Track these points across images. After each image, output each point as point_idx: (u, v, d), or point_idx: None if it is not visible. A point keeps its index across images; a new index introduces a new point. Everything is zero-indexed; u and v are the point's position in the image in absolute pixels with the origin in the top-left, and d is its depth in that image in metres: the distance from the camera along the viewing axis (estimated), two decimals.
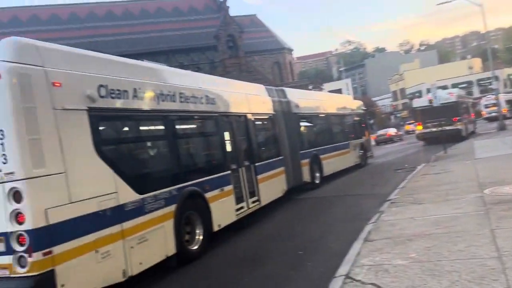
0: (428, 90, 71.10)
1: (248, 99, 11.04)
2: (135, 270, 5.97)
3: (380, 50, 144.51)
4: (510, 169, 10.80)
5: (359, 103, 22.32)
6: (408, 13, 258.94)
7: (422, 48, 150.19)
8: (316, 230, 8.40)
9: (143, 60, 8.00)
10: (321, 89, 44.78)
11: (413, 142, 30.91)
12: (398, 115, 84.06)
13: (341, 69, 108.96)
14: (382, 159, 23.00)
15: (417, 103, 28.33)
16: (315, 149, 14.70)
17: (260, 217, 10.27)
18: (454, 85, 72.31)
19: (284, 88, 14.81)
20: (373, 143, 41.67)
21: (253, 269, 6.58)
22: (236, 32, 40.29)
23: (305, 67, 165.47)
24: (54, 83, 5.30)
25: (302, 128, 14.58)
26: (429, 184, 10.82)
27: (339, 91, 57.67)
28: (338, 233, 7.93)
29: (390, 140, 41.10)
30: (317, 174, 14.51)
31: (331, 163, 15.78)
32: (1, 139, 4.81)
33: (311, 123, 15.56)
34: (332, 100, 19.59)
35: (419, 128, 26.78)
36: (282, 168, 11.96)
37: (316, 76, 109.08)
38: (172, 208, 6.92)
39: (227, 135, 9.47)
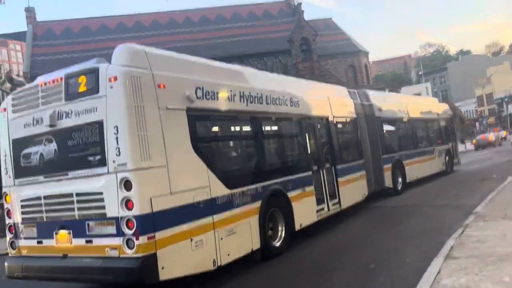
0: None
1: (331, 101, 11.08)
2: (223, 260, 6.37)
3: (465, 53, 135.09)
4: None
5: (445, 106, 21.39)
6: (498, 13, 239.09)
7: None
8: (391, 243, 7.80)
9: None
10: (398, 93, 42.77)
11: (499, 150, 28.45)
12: (484, 121, 77.83)
13: (420, 72, 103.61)
14: (470, 166, 21.73)
15: None
16: (398, 154, 14.54)
17: (333, 225, 9.83)
18: None
19: (366, 90, 14.57)
20: (471, 147, 41.95)
21: (319, 279, 6.19)
22: (310, 35, 39.82)
23: (382, 70, 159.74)
24: (160, 85, 5.87)
25: (384, 132, 14.33)
26: None
27: (418, 95, 54.70)
28: (416, 247, 7.28)
29: (491, 145, 41.41)
30: (399, 180, 14.21)
31: (415, 169, 15.40)
32: (116, 134, 5.41)
33: (394, 126, 15.29)
34: (417, 103, 18.90)
35: None
36: (363, 172, 11.90)
37: (393, 79, 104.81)
38: (257, 204, 7.30)
39: (309, 137, 9.70)
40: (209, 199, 6.31)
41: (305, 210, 8.77)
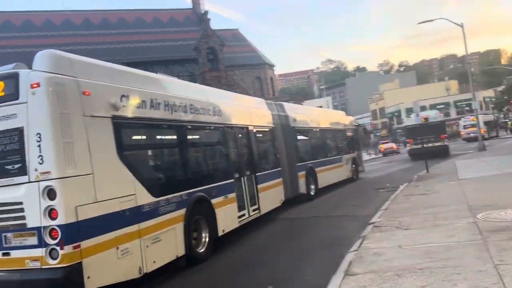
0: (408, 110, 71.78)
1: (250, 112, 11.54)
2: (149, 267, 6.36)
3: (361, 70, 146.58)
4: (501, 192, 10.07)
5: (351, 118, 23.22)
6: (389, 35, 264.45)
7: (401, 69, 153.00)
8: (291, 258, 7.40)
9: (157, 73, 8.68)
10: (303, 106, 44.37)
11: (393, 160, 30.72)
12: (378, 134, 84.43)
13: (322, 87, 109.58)
14: (372, 174, 23.34)
15: (409, 121, 30.76)
16: (310, 162, 15.34)
17: (234, 239, 9.24)
18: (432, 106, 73.43)
19: (282, 102, 15.47)
20: (380, 155, 49.19)
21: None
22: (217, 45, 39.52)
23: (287, 84, 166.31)
24: (85, 92, 5.75)
25: (299, 142, 15.08)
26: (414, 206, 10.00)
27: (317, 107, 57.42)
28: (316, 262, 6.97)
29: (395, 152, 48.95)
30: (312, 186, 14.99)
31: (326, 176, 16.40)
32: (39, 141, 5.21)
33: (307, 136, 16.11)
34: (327, 115, 20.58)
35: (411, 145, 29.57)
36: (280, 179, 12.42)
37: (297, 93, 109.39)
38: (182, 211, 7.36)
39: (231, 146, 9.98)
40: (135, 207, 6.25)
41: (228, 217, 8.98)
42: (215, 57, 39.88)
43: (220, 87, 39.16)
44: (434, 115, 30.44)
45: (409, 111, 70.26)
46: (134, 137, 7.05)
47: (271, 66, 52.04)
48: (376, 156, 49.69)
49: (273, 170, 12.06)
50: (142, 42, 45.86)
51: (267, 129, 12.51)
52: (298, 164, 14.15)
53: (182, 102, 8.09)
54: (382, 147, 54.71)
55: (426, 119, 27.28)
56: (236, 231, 9.42)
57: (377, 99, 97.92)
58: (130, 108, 6.59)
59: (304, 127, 15.80)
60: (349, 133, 21.13)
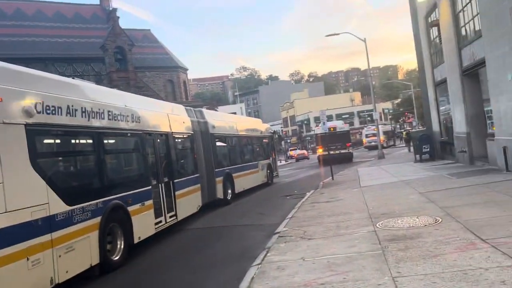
0: (316, 118, 75.18)
1: (170, 118, 11.50)
2: (61, 278, 6.19)
3: (273, 78, 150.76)
4: (397, 199, 10.54)
5: (267, 126, 24.24)
6: (300, 46, 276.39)
7: (311, 79, 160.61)
8: (193, 274, 6.90)
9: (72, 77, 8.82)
10: (216, 111, 44.00)
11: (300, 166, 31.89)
12: (288, 140, 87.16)
13: (236, 93, 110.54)
14: (284, 179, 24.08)
15: (318, 130, 32.54)
16: (228, 167, 15.84)
17: (136, 252, 8.45)
18: (338, 115, 77.92)
19: (202, 109, 15.70)
20: (290, 160, 52.69)
21: None
22: (125, 45, 37.54)
23: (201, 89, 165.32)
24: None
25: (217, 148, 15.32)
26: (319, 214, 10.05)
27: (233, 114, 57.61)
28: (218, 278, 6.51)
29: (306, 158, 53.73)
30: (229, 191, 15.53)
31: (242, 181, 17.01)
32: None
33: (225, 143, 16.48)
34: (245, 122, 21.30)
35: (320, 151, 31.26)
36: (198, 185, 12.62)
37: (211, 98, 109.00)
38: (97, 220, 7.25)
39: (149, 152, 9.95)
40: (48, 216, 6.08)
41: (144, 224, 8.94)
42: (124, 57, 37.88)
43: (129, 89, 37.50)
44: (341, 125, 33.79)
45: (317, 119, 73.71)
46: (49, 145, 6.85)
47: (185, 69, 51.03)
48: (286, 162, 51.23)
49: (191, 177, 12.19)
50: (43, 37, 42.17)
51: (186, 136, 12.59)
52: (216, 170, 14.48)
53: (100, 108, 7.96)
54: (292, 153, 58.52)
55: (334, 128, 30.91)
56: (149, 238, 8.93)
57: (288, 107, 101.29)
58: (45, 115, 6.44)
59: (223, 134, 16.12)
60: (265, 140, 21.89)
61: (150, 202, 9.29)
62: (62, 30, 44.01)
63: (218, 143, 15.48)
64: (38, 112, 6.27)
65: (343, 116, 77.52)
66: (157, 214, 9.63)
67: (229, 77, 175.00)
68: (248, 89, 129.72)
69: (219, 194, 14.47)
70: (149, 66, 45.88)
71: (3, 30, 40.74)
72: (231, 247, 8.56)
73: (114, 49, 37.32)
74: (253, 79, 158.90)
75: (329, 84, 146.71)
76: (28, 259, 5.56)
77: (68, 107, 6.99)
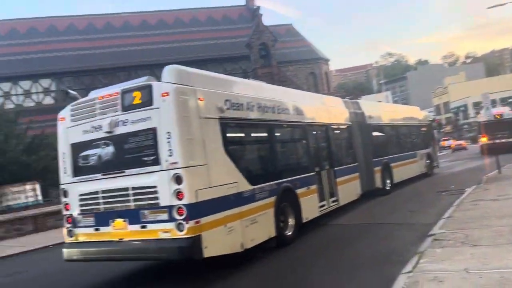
0: (475, 104, 66.83)
1: (329, 110, 12.45)
2: (248, 244, 7.50)
3: (423, 63, 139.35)
4: None
5: (425, 113, 23.31)
6: (453, 26, 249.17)
7: (468, 61, 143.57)
8: (332, 276, 6.47)
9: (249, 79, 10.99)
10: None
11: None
12: (441, 130, 79.54)
13: (381, 81, 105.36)
14: (446, 170, 22.72)
15: (483, 117, 29.92)
16: (386, 157, 15.70)
17: (273, 250, 8.45)
18: (503, 99, 67.79)
19: (358, 100, 16.33)
20: (446, 151, 49.72)
21: None
22: (269, 41, 38.78)
23: (344, 79, 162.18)
24: (199, 98, 7.07)
25: (374, 138, 15.44)
26: (484, 215, 8.61)
27: (387, 104, 54.99)
28: (361, 283, 5.96)
29: (464, 148, 49.59)
30: (388, 181, 15.44)
31: (400, 171, 16.66)
32: (168, 138, 6.52)
33: (382, 132, 16.50)
34: (401, 111, 20.84)
35: (484, 140, 29.06)
36: (357, 174, 13.12)
37: (354, 88, 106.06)
38: (273, 199, 8.43)
39: (312, 142, 10.93)
40: (237, 193, 7.45)
41: (310, 206, 9.90)
42: (267, 53, 39.17)
43: (272, 83, 38.60)
44: (508, 112, 31.00)
45: (476, 105, 65.48)
46: (235, 135, 8.25)
47: (326, 60, 50.47)
48: (440, 154, 46.74)
49: (350, 165, 12.77)
50: (197, 41, 46.24)
51: (344, 126, 13.29)
52: (374, 159, 14.56)
53: (271, 103, 9.21)
54: (444, 143, 54.84)
55: (500, 115, 28.61)
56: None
57: (440, 93, 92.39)
58: (232, 111, 7.86)
59: (380, 124, 16.23)
60: (423, 128, 21.09)
61: (314, 186, 10.27)
62: (213, 32, 47.60)
63: (375, 133, 15.60)
64: (227, 109, 7.70)
65: (510, 101, 67.25)
66: (321, 198, 10.55)
67: (373, 65, 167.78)
68: (394, 76, 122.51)
69: (378, 183, 14.61)
70: (292, 60, 46.59)
71: (165, 38, 45.96)
72: (376, 247, 7.84)
73: (259, 46, 38.88)
74: (400, 65, 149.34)
75: (492, 64, 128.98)
76: (225, 226, 6.97)
77: (247, 103, 8.38)
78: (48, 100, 40.15)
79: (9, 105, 36.88)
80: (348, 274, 6.43)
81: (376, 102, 29.02)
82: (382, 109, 17.89)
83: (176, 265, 8.08)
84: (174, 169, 6.44)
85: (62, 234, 7.77)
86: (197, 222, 6.38)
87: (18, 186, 21.03)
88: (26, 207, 21.41)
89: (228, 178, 7.27)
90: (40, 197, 22.11)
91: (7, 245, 17.09)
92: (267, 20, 42.44)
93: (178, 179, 6.41)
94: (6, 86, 39.52)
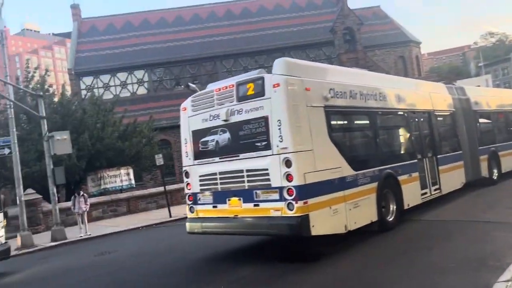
0: None
1: (431, 97, 12.22)
2: (351, 226, 7.90)
3: None
4: None
5: None
6: None
7: None
8: (415, 279, 5.92)
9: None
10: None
11: None
12: None
13: (480, 64, 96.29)
14: None
15: None
16: (493, 145, 15.13)
17: (347, 244, 8.06)
18: None
19: (463, 86, 15.71)
20: None
21: None
22: (354, 25, 37.27)
23: (437, 63, 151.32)
24: (307, 88, 7.58)
25: (480, 124, 14.93)
26: None
27: (490, 88, 50.38)
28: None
29: None
30: (495, 171, 14.78)
31: (509, 161, 15.87)
32: (279, 126, 7.12)
33: (489, 119, 15.86)
34: (510, 97, 19.49)
35: None
36: (461, 162, 12.82)
37: (449, 72, 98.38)
38: (375, 185, 8.75)
39: (414, 129, 10.99)
40: (341, 177, 7.87)
41: (412, 193, 9.99)
42: (352, 37, 37.74)
43: None
44: None
45: None
46: (339, 122, 8.65)
47: (417, 43, 47.26)
48: None
49: (454, 153, 12.57)
50: (281, 28, 46.00)
51: (448, 113, 13.02)
52: (480, 147, 14.10)
53: (373, 91, 9.39)
54: None
55: None
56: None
57: None
58: (335, 99, 8.25)
59: (486, 110, 15.56)
60: None
61: (416, 174, 10.31)
62: (297, 19, 46.99)
63: (481, 120, 15.05)
64: (331, 97, 8.11)
65: None
66: (423, 185, 10.55)
67: (471, 47, 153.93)
68: (496, 58, 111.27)
69: (484, 172, 14.07)
70: (379, 44, 44.35)
71: (249, 27, 46.42)
72: (467, 249, 7.09)
73: (343, 30, 37.61)
74: (503, 46, 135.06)
75: None
76: (330, 208, 7.46)
77: (350, 91, 8.71)
78: (142, 90, 42.86)
79: (109, 96, 40.07)
80: (434, 279, 5.86)
81: (477, 86, 26.27)
82: (488, 95, 16.97)
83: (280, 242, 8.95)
84: (284, 153, 7.07)
85: (153, 216, 8.48)
86: (305, 203, 6.98)
87: (114, 170, 22.76)
88: (121, 190, 23.16)
89: (332, 163, 7.75)
90: (133, 181, 23.72)
91: (104, 225, 18.55)
92: (352, 3, 40.85)
93: (288, 163, 7.04)
94: (105, 78, 42.85)
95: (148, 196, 23.05)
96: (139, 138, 24.25)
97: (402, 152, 10.37)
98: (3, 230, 10.22)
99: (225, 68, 43.99)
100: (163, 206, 20.72)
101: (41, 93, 16.71)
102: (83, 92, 40.57)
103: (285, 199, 7.01)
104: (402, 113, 10.54)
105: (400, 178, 9.55)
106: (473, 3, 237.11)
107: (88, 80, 42.37)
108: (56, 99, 24.48)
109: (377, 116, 9.50)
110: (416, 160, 10.47)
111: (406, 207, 9.62)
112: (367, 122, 9.32)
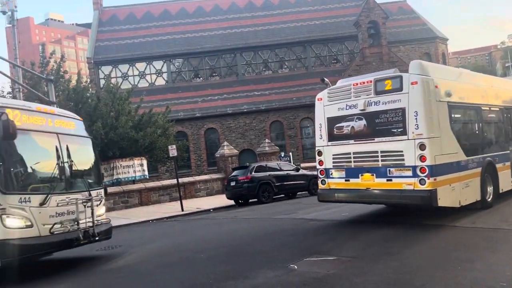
0: None
1: None
2: (463, 203, 9.37)
3: None
4: None
5: None
6: None
7: None
8: None
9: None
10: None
11: None
12: None
13: (507, 64, 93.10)
14: None
15: None
16: None
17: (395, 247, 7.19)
18: None
19: None
20: None
21: None
22: (379, 18, 35.90)
23: (462, 62, 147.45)
24: (436, 86, 9.11)
25: None
26: None
27: None
28: None
29: None
30: None
31: None
32: (415, 116, 8.63)
33: None
34: None
35: None
36: None
37: (475, 71, 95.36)
38: (479, 169, 10.16)
39: (507, 123, 12.36)
40: (458, 161, 9.41)
41: (505, 179, 11.40)
42: (377, 31, 36.39)
43: (381, 64, 35.90)
44: None
45: None
46: (456, 115, 10.00)
47: (444, 40, 45.56)
48: None
49: None
50: (302, 21, 44.93)
51: None
52: None
53: (483, 91, 11.32)
54: None
55: None
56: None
57: None
58: (454, 96, 9.68)
59: None
60: None
61: (508, 163, 11.71)
62: (320, 12, 45.83)
63: None
64: (452, 94, 9.55)
65: None
66: None
67: (498, 46, 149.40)
68: None
69: None
70: (404, 40, 42.90)
71: (271, 19, 45.44)
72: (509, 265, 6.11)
73: (368, 24, 36.32)
74: None
75: None
76: (450, 185, 8.97)
77: (465, 89, 10.48)
78: (160, 81, 42.38)
79: (127, 86, 39.72)
80: None
81: None
82: None
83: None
84: (419, 139, 8.60)
85: (164, 209, 8.53)
86: (434, 179, 8.52)
87: (127, 160, 22.20)
88: (133, 181, 22.64)
89: (451, 149, 9.25)
90: (146, 172, 23.15)
91: (114, 216, 17.97)
92: None
93: (422, 146, 8.56)
94: (124, 67, 42.50)
95: (161, 188, 22.48)
96: (154, 128, 23.65)
97: (498, 143, 11.68)
98: (104, 207, 9.31)
99: (244, 61, 43.19)
100: (176, 199, 20.13)
101: (52, 78, 16.14)
102: (102, 82, 40.24)
103: (418, 176, 8.56)
104: (498, 109, 11.94)
105: (497, 165, 10.96)
106: (500, 2, 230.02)
107: (106, 69, 42.11)
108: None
109: (482, 112, 11.02)
110: (508, 151, 11.90)
111: (501, 191, 10.98)
112: (475, 116, 10.87)
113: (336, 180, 9.97)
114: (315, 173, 21.96)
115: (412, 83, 8.70)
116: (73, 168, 8.19)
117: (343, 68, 41.02)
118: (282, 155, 30.76)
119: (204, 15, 46.42)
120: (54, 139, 7.91)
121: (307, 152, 39.77)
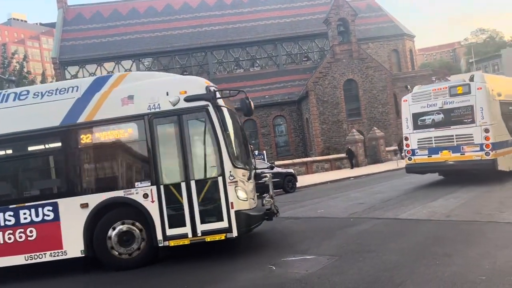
0: None
1: None
2: (511, 168, 13.53)
3: None
4: None
5: None
6: None
7: None
8: None
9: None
10: (446, 81, 38.47)
11: None
12: None
13: (471, 60, 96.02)
14: None
15: None
16: None
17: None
18: None
19: None
20: None
21: None
22: (348, 16, 36.21)
23: (428, 59, 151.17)
24: (492, 89, 13.46)
25: None
26: None
27: None
28: None
29: None
30: None
31: None
32: (481, 110, 13.00)
33: None
34: None
35: None
36: None
37: (441, 67, 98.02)
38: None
39: None
40: (506, 140, 13.57)
41: None
42: (346, 29, 36.70)
43: (351, 61, 36.22)
44: None
45: None
46: (503, 109, 13.85)
47: (411, 36, 46.56)
48: None
49: None
50: (272, 19, 44.94)
51: None
52: None
53: None
54: None
55: None
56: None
57: None
58: (503, 96, 13.81)
59: None
60: None
61: None
62: (290, 10, 45.97)
63: None
64: (499, 95, 13.56)
65: None
66: None
67: (462, 43, 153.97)
68: (486, 54, 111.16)
69: None
70: (372, 37, 43.60)
71: (240, 17, 45.21)
72: (495, 256, 6.06)
73: (337, 21, 36.58)
74: (493, 43, 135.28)
75: None
76: (504, 156, 13.25)
77: (507, 90, 14.34)
78: None
79: None
80: None
81: None
82: None
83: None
84: (484, 125, 12.71)
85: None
86: (496, 152, 12.59)
87: None
88: None
89: (502, 132, 13.33)
90: None
91: None
92: None
93: (486, 130, 12.67)
94: (92, 68, 41.34)
95: None
96: None
97: None
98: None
99: (215, 59, 42.81)
100: None
101: (14, 78, 15.41)
102: None
103: (484, 150, 12.63)
104: None
105: None
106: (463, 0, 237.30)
107: (73, 69, 40.86)
108: None
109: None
110: None
111: None
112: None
113: (421, 157, 14.01)
114: (289, 170, 22.07)
115: (478, 88, 12.89)
116: (248, 146, 8.86)
117: (314, 66, 41.25)
118: (256, 154, 30.60)
119: (173, 13, 45.76)
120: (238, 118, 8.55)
121: (280, 149, 39.77)
